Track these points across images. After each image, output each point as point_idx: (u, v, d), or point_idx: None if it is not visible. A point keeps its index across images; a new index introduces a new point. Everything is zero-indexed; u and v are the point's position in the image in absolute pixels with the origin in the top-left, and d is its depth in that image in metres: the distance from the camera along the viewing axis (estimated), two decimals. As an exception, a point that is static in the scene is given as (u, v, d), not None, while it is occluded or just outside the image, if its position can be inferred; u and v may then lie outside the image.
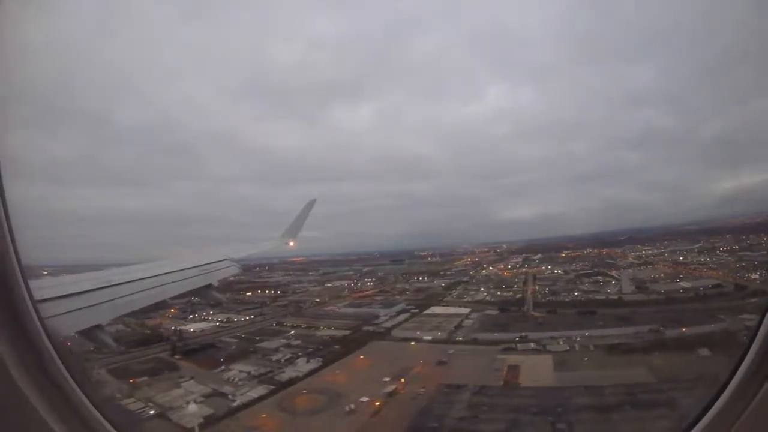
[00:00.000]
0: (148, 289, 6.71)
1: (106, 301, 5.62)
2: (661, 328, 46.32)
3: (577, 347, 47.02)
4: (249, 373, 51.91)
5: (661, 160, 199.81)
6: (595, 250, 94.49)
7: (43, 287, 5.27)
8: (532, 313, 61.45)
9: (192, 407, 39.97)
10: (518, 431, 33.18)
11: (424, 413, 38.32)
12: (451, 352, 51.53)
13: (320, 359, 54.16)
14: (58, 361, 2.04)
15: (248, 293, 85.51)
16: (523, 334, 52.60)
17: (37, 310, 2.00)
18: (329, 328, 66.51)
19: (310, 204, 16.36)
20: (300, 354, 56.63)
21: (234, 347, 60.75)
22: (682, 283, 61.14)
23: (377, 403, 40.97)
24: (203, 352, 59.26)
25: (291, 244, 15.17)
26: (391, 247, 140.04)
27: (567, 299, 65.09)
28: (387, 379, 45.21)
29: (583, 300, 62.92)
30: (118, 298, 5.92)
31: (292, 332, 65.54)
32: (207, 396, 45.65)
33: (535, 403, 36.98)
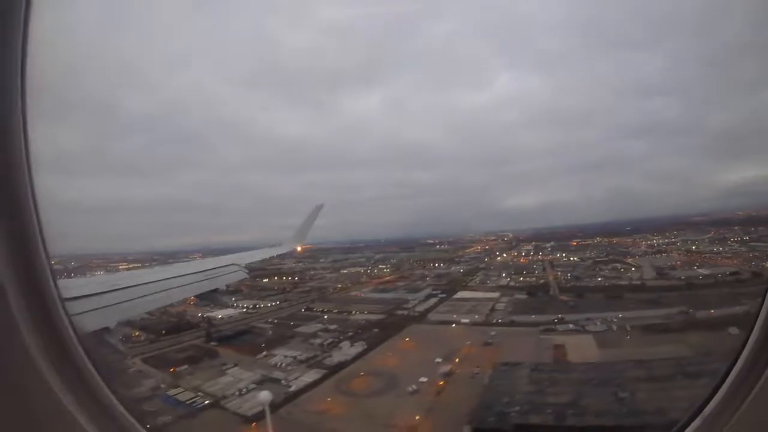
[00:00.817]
0: (155, 293, 6.89)
1: (114, 304, 5.65)
2: (690, 310, 50.64)
3: (614, 327, 50.56)
4: (294, 358, 51.64)
5: (668, 151, 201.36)
6: (605, 239, 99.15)
7: None
8: (561, 297, 64.80)
9: (264, 393, 39.38)
10: (588, 400, 36.18)
11: (490, 389, 40.30)
12: (493, 333, 53.53)
13: (364, 343, 54.79)
14: (84, 357, 2.07)
15: (264, 279, 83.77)
16: (560, 316, 55.78)
17: (64, 307, 2.04)
18: (362, 312, 67.09)
19: (317, 209, 17.05)
20: (341, 338, 57.02)
21: (270, 333, 60.03)
22: (700, 270, 65.88)
23: (440, 383, 42.47)
24: (239, 339, 58.11)
25: (299, 249, 16.12)
26: (396, 235, 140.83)
27: (591, 284, 68.94)
28: (439, 360, 46.40)
29: (608, 285, 66.86)
30: (126, 301, 5.97)
31: (326, 317, 65.65)
32: (258, 383, 45.05)
33: (593, 376, 39.98)
